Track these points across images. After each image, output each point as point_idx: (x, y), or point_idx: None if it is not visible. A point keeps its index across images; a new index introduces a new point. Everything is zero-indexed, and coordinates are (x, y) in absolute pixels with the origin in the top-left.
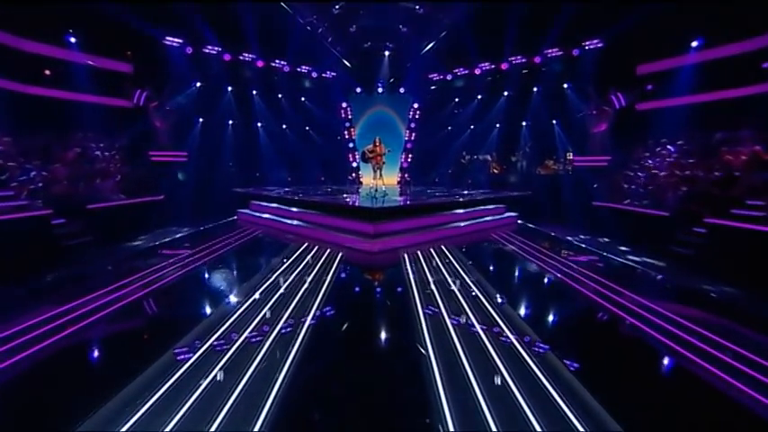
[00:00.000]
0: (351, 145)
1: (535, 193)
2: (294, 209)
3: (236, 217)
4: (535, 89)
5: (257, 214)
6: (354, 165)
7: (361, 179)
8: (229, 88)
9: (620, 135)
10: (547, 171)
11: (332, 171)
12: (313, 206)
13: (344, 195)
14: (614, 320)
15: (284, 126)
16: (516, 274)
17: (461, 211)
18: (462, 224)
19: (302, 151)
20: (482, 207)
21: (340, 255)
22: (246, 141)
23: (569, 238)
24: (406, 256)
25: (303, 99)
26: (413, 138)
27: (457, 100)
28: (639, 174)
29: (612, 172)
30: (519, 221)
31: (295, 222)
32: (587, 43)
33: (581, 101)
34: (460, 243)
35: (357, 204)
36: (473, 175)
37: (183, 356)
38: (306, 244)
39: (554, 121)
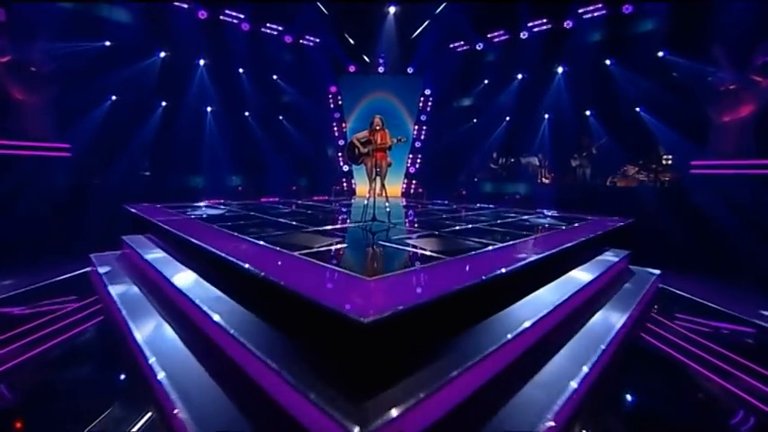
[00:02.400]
0: (341, 143)
1: (637, 218)
2: (181, 271)
3: (120, 252)
4: (608, 61)
5: (146, 255)
6: (346, 169)
7: (353, 187)
8: (162, 53)
9: None
10: (627, 182)
11: (313, 177)
12: (212, 263)
13: (304, 236)
14: None
15: (246, 114)
16: None
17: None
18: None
19: (271, 149)
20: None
21: None
22: (185, 131)
23: None
24: None
25: (275, 77)
26: (424, 134)
27: (486, 82)
28: None
29: None
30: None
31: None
32: None
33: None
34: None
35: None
36: (509, 184)
37: None
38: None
39: (638, 109)
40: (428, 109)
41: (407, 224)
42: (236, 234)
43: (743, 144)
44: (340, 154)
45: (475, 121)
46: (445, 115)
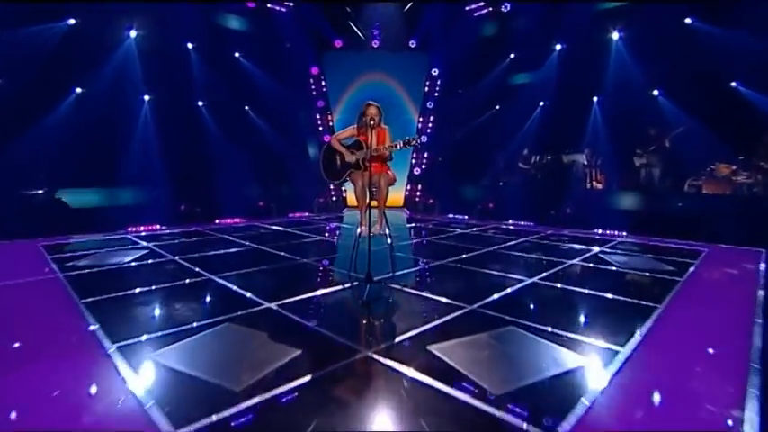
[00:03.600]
0: (326, 139)
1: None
2: None
3: None
4: (689, 19)
5: None
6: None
7: (344, 195)
8: (71, 20)
9: None
10: (716, 187)
11: (290, 187)
12: None
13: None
14: None
15: (200, 104)
16: None
17: None
18: None
19: (233, 151)
20: None
21: None
22: (109, 128)
23: None
24: None
25: (237, 55)
26: (431, 127)
27: (513, 56)
28: None
29: None
30: None
31: None
32: None
33: None
34: None
35: None
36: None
37: None
38: None
39: (734, 84)
40: (436, 94)
41: (429, 280)
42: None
43: None
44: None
45: (498, 108)
46: (459, 101)
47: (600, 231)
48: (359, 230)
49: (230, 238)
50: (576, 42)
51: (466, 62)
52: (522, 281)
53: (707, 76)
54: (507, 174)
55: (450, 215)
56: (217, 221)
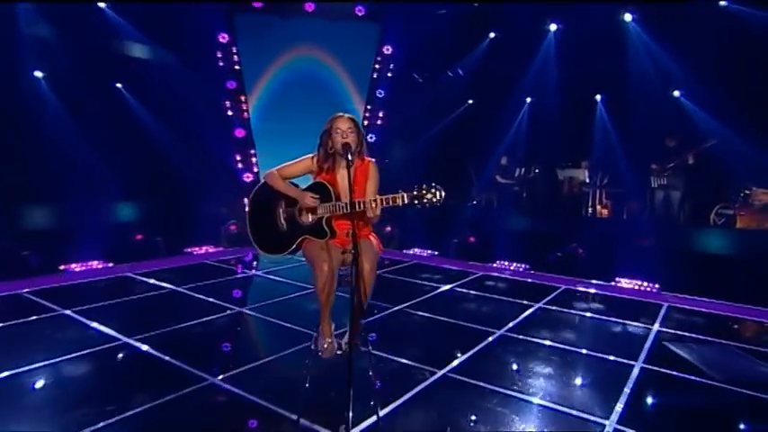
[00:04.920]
0: (239, 134)
1: None
2: None
3: None
4: None
5: None
6: (249, 179)
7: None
8: None
9: None
10: (750, 220)
11: (188, 207)
12: None
13: None
14: None
15: (39, 75)
16: None
17: None
18: None
19: (89, 152)
20: None
21: None
22: None
23: None
24: None
25: (104, 5)
26: (381, 121)
27: (494, 35)
28: None
29: None
30: None
31: None
32: None
33: None
34: None
35: None
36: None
37: None
38: None
39: None
40: (389, 77)
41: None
42: None
43: None
44: (249, 177)
45: (471, 102)
46: (421, 92)
47: (625, 284)
48: (319, 344)
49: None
50: (574, 21)
51: (431, 40)
52: None
53: (747, 72)
54: (482, 190)
55: (416, 250)
56: (62, 268)
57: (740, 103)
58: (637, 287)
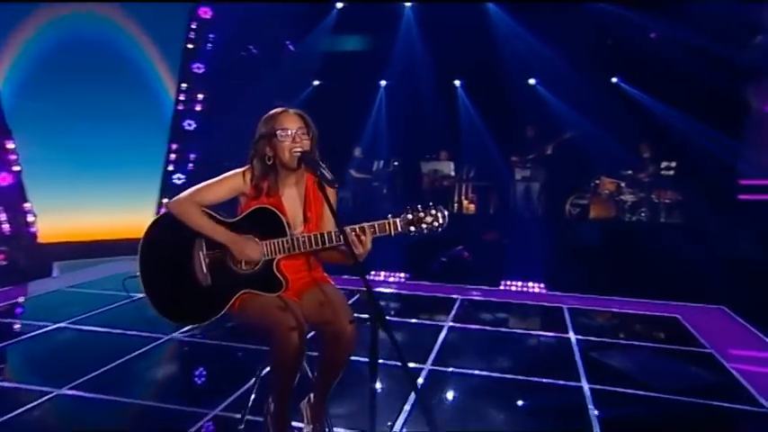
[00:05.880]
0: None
1: None
2: None
3: None
4: None
5: None
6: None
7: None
8: None
9: None
10: (600, 210)
11: None
12: None
13: None
14: None
15: None
16: None
17: None
18: None
19: None
20: None
21: None
22: None
23: None
24: None
25: None
26: (200, 108)
27: (342, 5)
28: None
29: None
30: None
31: None
32: None
33: None
34: None
35: None
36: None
37: None
38: None
39: (615, 79)
40: (209, 49)
41: None
42: None
43: None
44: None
45: (318, 83)
46: (250, 67)
47: (517, 287)
48: None
49: None
50: None
51: (266, 5)
52: None
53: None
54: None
55: None
56: None
57: (600, 93)
58: (526, 289)
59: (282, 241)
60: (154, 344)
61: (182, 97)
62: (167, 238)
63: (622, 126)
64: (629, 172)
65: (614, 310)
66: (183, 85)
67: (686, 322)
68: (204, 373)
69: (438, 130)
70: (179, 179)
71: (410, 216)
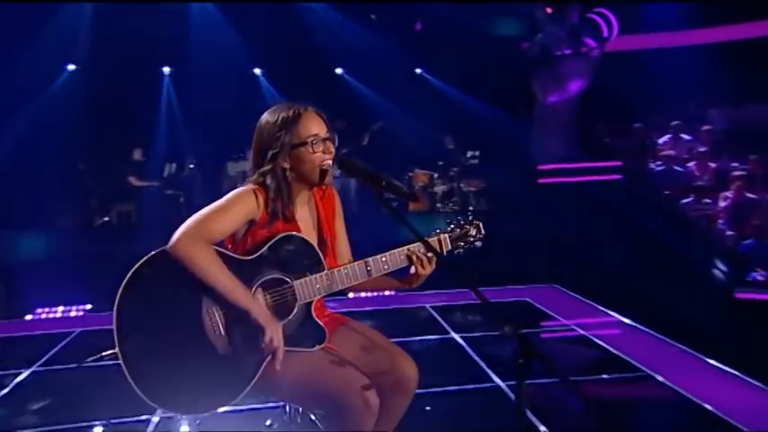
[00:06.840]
0: None
1: None
2: None
3: None
4: None
5: None
6: None
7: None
8: None
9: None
10: (417, 204)
11: None
12: None
13: None
14: None
15: None
16: None
17: None
18: None
19: None
20: None
21: None
22: None
23: None
24: None
25: None
26: None
27: None
28: None
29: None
30: None
31: None
32: None
33: None
34: None
35: None
36: None
37: None
38: None
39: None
40: None
41: None
42: None
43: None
44: None
45: (73, 68)
46: None
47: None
48: None
49: None
50: None
51: None
52: None
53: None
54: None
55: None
56: None
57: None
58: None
59: (322, 277)
60: None
61: None
62: (160, 294)
63: (433, 117)
64: (441, 163)
65: (471, 302)
66: None
67: (537, 303)
68: None
69: (240, 129)
70: None
71: (458, 230)
